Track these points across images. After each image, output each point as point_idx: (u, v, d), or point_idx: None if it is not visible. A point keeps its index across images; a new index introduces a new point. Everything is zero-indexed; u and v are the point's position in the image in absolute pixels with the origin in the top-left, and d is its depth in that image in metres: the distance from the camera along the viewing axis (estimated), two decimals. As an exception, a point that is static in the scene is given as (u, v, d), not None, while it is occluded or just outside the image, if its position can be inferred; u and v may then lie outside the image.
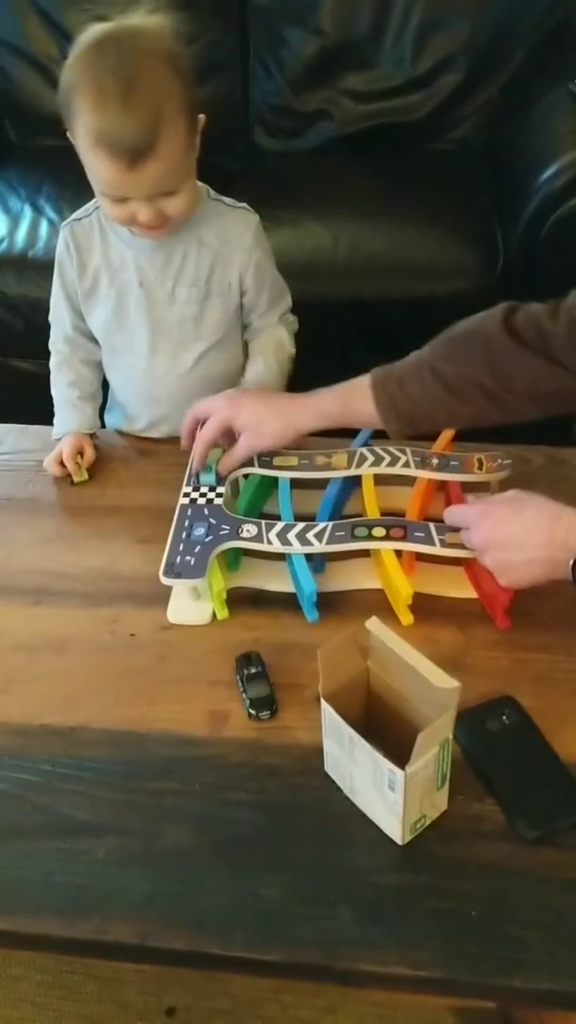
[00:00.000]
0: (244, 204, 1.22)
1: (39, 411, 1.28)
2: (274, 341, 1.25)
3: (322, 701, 0.77)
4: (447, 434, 1.14)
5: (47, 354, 1.29)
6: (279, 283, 1.27)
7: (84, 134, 1.02)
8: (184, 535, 1.02)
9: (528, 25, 1.96)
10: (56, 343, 1.28)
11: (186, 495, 1.07)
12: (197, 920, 0.75)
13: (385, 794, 0.75)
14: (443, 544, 0.98)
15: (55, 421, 1.26)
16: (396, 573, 0.96)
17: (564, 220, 1.60)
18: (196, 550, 0.99)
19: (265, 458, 1.10)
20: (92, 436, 1.25)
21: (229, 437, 1.09)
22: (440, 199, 1.87)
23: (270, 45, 2.10)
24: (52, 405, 1.27)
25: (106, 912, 0.76)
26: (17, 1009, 1.25)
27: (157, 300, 1.19)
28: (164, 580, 0.98)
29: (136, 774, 0.85)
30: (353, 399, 1.02)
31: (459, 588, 1.00)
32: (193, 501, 1.06)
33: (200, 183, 1.16)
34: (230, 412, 1.07)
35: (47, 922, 0.76)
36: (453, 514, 0.97)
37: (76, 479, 1.19)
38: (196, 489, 1.08)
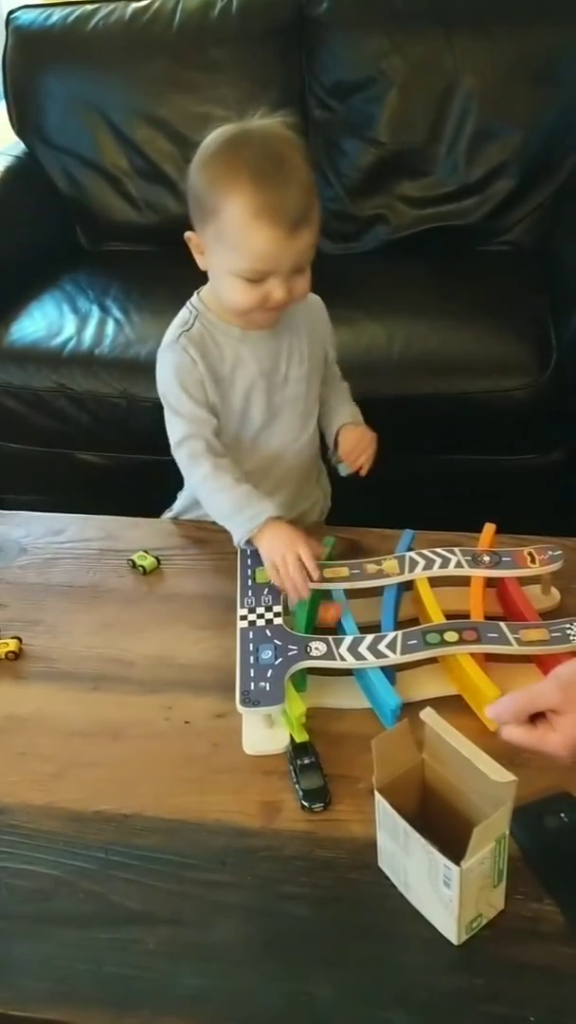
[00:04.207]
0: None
1: (102, 501, 1.33)
2: (344, 388, 1.35)
3: (376, 794, 0.77)
4: (490, 528, 1.14)
5: (110, 446, 1.34)
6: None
7: (242, 214, 1.06)
8: (251, 659, 0.99)
9: (578, 134, 2.03)
10: (199, 455, 1.18)
11: (243, 617, 1.05)
12: (247, 1018, 0.74)
13: (440, 891, 0.73)
14: (519, 643, 0.97)
15: (239, 519, 1.13)
16: (479, 678, 0.94)
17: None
18: (268, 674, 0.96)
19: None
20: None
21: None
22: (493, 297, 1.91)
23: (329, 155, 2.19)
24: (115, 494, 1.32)
25: (156, 1006, 0.75)
26: None
27: (275, 384, 1.24)
28: (242, 710, 0.94)
29: (188, 864, 0.85)
30: None
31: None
32: (252, 623, 1.03)
33: None
34: (559, 699, 0.79)
35: (97, 1014, 0.75)
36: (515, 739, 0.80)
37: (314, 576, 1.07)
38: (252, 610, 1.05)
